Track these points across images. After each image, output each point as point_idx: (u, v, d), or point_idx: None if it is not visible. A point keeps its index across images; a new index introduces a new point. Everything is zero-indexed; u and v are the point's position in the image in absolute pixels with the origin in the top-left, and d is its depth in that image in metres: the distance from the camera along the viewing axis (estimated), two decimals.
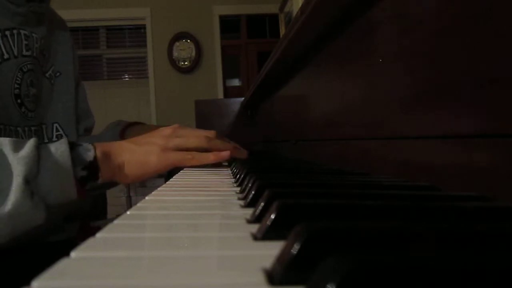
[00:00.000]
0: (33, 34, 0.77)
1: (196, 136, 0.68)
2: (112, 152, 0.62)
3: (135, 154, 0.63)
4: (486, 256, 0.15)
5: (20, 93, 0.73)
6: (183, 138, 0.66)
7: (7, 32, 0.72)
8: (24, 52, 0.75)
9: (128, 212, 0.30)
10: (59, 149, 0.56)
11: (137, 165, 0.63)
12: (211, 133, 0.70)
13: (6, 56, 0.71)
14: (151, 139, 0.66)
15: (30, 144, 0.54)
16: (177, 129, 0.67)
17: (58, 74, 0.85)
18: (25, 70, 0.74)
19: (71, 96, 0.86)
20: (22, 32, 0.74)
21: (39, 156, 0.54)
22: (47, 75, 0.82)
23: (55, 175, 0.54)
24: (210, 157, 0.67)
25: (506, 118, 0.29)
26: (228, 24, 4.55)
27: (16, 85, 0.72)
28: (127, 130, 0.89)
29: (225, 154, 0.68)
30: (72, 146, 0.58)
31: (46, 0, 0.80)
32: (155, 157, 0.63)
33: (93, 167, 0.59)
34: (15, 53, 0.73)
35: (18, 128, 0.73)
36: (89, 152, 0.59)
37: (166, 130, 0.67)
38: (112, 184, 0.70)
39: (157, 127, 0.82)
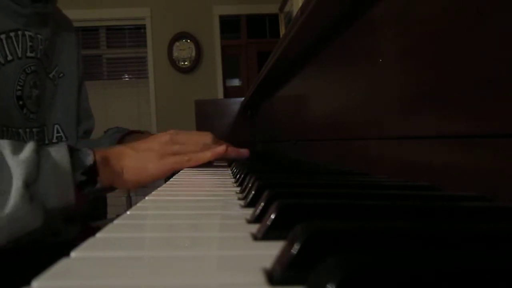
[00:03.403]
0: (38, 35, 0.77)
1: (194, 144, 0.67)
2: (111, 158, 0.62)
3: (134, 160, 0.63)
4: (486, 256, 0.15)
5: (22, 94, 0.73)
6: (181, 146, 0.66)
7: (12, 34, 0.72)
8: (28, 54, 0.74)
9: (128, 212, 0.30)
10: (59, 153, 0.55)
11: (136, 171, 0.63)
12: (208, 136, 0.69)
13: (9, 57, 0.71)
14: (149, 145, 0.65)
15: (29, 147, 0.53)
16: (174, 135, 0.67)
17: (61, 75, 0.85)
18: (28, 71, 0.74)
19: (73, 97, 0.86)
20: (27, 33, 0.74)
21: (39, 159, 0.53)
22: (50, 76, 0.82)
23: (55, 179, 0.54)
24: (207, 155, 0.66)
25: (506, 118, 0.29)
26: (228, 24, 4.55)
27: (18, 87, 0.72)
28: (125, 138, 0.89)
29: (221, 148, 0.67)
30: (72, 151, 0.58)
31: (52, 1, 0.80)
32: (153, 164, 0.63)
33: (92, 172, 0.59)
34: (19, 54, 0.73)
35: (20, 130, 0.73)
36: (88, 157, 0.59)
37: (164, 137, 0.66)
38: (111, 188, 0.70)
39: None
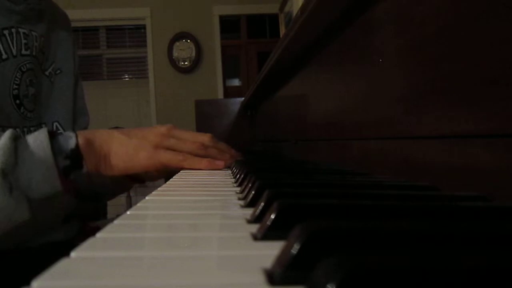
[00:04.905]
0: (33, 32, 0.76)
1: (192, 142, 0.65)
2: (97, 140, 0.59)
3: (125, 146, 0.60)
4: (486, 256, 0.15)
5: (19, 93, 0.72)
6: (178, 140, 0.63)
7: (6, 31, 0.71)
8: (23, 51, 0.74)
9: (128, 212, 0.30)
10: (38, 138, 0.53)
11: (125, 157, 0.59)
12: (206, 137, 0.67)
13: (4, 56, 0.70)
14: (144, 133, 0.63)
15: (5, 136, 0.51)
16: (172, 129, 0.64)
17: (58, 71, 0.84)
18: (24, 69, 0.74)
19: (70, 94, 0.85)
20: (21, 31, 0.73)
21: (16, 147, 0.51)
22: (46, 73, 0.81)
23: (35, 166, 0.51)
24: (203, 163, 0.64)
25: (506, 118, 0.29)
26: (228, 24, 4.55)
27: (15, 86, 0.72)
28: None
29: (220, 163, 0.65)
30: (53, 135, 0.55)
31: None
32: (145, 152, 0.60)
33: (76, 155, 0.56)
34: (14, 52, 0.72)
35: (17, 129, 0.72)
36: (70, 140, 0.56)
37: (161, 129, 0.64)
38: (123, 189, 0.68)
39: None
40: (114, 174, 0.61)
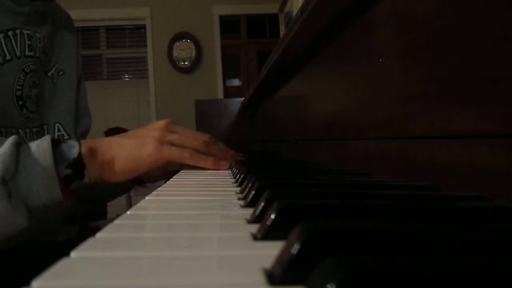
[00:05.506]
0: (36, 34, 0.76)
1: (194, 138, 0.64)
2: (99, 148, 0.58)
3: (126, 148, 0.59)
4: (486, 256, 0.15)
5: (22, 94, 0.72)
6: (179, 135, 0.63)
7: (10, 33, 0.71)
8: (27, 53, 0.74)
9: (128, 212, 0.30)
10: (40, 146, 0.52)
11: (129, 159, 0.58)
12: (206, 136, 0.66)
13: (8, 57, 0.70)
14: (144, 131, 0.62)
15: (8, 141, 0.51)
16: (170, 124, 0.63)
17: (61, 73, 0.84)
18: (27, 71, 0.74)
19: (73, 95, 0.85)
20: (25, 32, 0.73)
21: (18, 154, 0.50)
22: (49, 74, 0.81)
23: (36, 174, 0.51)
24: (209, 162, 0.64)
25: (506, 118, 0.29)
26: (228, 24, 4.55)
27: (18, 87, 0.72)
28: None
29: (224, 164, 0.66)
30: (56, 143, 0.55)
31: None
32: (149, 149, 0.59)
33: (78, 165, 0.55)
34: (18, 54, 0.72)
35: (20, 130, 0.72)
36: (73, 149, 0.55)
37: (159, 123, 0.63)
38: (124, 190, 0.67)
39: None
40: (119, 180, 0.60)
